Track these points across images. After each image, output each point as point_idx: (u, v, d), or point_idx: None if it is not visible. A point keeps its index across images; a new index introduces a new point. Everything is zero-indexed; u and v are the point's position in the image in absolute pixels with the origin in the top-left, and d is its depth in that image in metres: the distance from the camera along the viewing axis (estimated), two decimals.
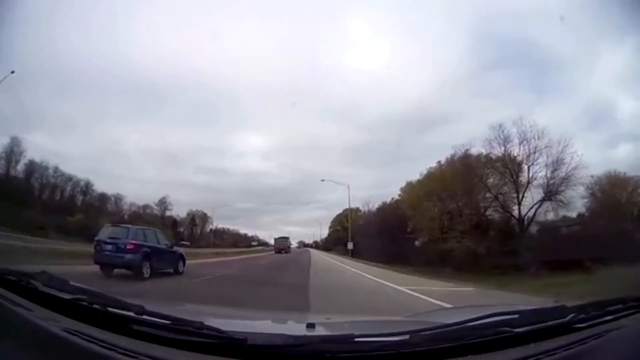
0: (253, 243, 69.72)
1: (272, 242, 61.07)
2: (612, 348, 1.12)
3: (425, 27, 56.31)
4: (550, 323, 1.19)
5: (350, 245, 32.14)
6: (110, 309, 1.17)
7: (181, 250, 13.80)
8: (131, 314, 1.13)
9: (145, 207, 50.02)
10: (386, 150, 64.17)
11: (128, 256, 10.05)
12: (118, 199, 46.24)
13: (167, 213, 53.20)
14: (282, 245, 44.80)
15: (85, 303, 1.20)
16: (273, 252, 42.38)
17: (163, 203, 53.12)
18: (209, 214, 59.75)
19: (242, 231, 72.82)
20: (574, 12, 35.40)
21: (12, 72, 21.71)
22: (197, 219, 61.15)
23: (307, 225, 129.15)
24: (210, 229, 64.14)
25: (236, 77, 73.15)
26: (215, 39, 59.44)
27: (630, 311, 1.29)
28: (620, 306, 1.30)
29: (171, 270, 11.80)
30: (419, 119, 60.85)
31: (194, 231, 60.06)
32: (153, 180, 59.40)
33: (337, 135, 68.91)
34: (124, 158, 53.24)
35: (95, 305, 1.18)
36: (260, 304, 6.26)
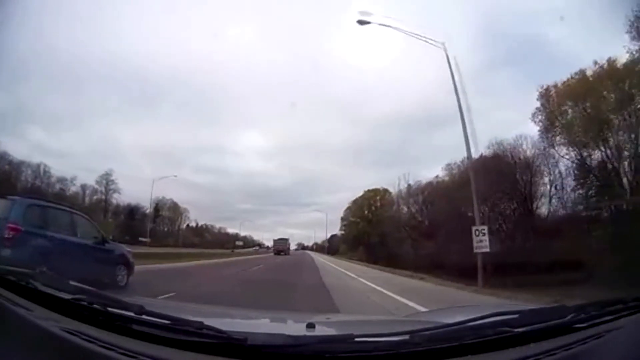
0: (238, 243, 58.82)
1: (265, 243, 59.34)
2: (612, 348, 1.12)
3: (432, 22, 55.63)
4: (550, 323, 1.19)
5: (483, 242, 11.56)
6: (110, 308, 1.17)
7: (124, 249, 8.77)
8: (131, 314, 1.13)
9: (84, 186, 35.48)
10: (388, 151, 63.53)
11: (5, 252, 5.77)
12: (44, 170, 32.65)
13: (130, 202, 39.95)
14: (281, 246, 44.36)
15: (85, 303, 1.20)
16: (261, 256, 38.06)
17: (107, 178, 37.88)
18: (184, 206, 47.82)
19: (232, 230, 65.77)
20: (582, 8, 34.23)
21: None
22: (163, 210, 46.48)
23: (307, 228, 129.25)
24: (187, 225, 53.41)
25: (235, 73, 73.10)
26: (214, 34, 59.79)
27: (630, 311, 1.29)
28: (620, 306, 1.30)
29: (105, 281, 7.15)
30: (423, 118, 60.23)
31: (158, 225, 46.24)
32: (150, 179, 58.01)
33: (338, 135, 68.80)
34: (120, 155, 52.23)
35: (95, 305, 1.18)
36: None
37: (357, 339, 1.10)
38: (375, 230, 30.65)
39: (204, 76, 73.33)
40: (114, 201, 41.34)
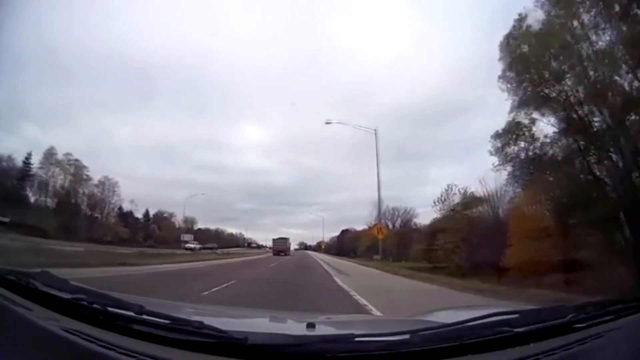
0: (186, 240, 38.33)
1: (260, 242, 54.25)
2: (612, 348, 1.12)
3: (442, 8, 53.38)
4: (550, 323, 1.19)
5: None
6: (110, 308, 1.17)
7: None
8: (131, 313, 1.13)
9: None
10: (394, 147, 60.49)
11: None
12: None
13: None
14: (281, 246, 42.64)
15: (85, 303, 1.20)
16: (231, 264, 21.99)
17: None
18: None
19: (233, 230, 52.31)
20: None
21: None
22: (58, 172, 26.32)
23: (308, 228, 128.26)
24: (120, 208, 31.00)
25: (234, 64, 70.50)
26: (212, 22, 56.63)
27: (630, 311, 1.29)
28: (620, 306, 1.30)
29: None
30: (432, 111, 55.47)
31: (31, 194, 26.23)
32: (147, 176, 55.90)
33: (342, 129, 66.98)
34: (116, 151, 50.49)
35: (95, 305, 1.18)
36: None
37: (357, 339, 1.10)
38: None
39: (203, 69, 70.94)
40: None
